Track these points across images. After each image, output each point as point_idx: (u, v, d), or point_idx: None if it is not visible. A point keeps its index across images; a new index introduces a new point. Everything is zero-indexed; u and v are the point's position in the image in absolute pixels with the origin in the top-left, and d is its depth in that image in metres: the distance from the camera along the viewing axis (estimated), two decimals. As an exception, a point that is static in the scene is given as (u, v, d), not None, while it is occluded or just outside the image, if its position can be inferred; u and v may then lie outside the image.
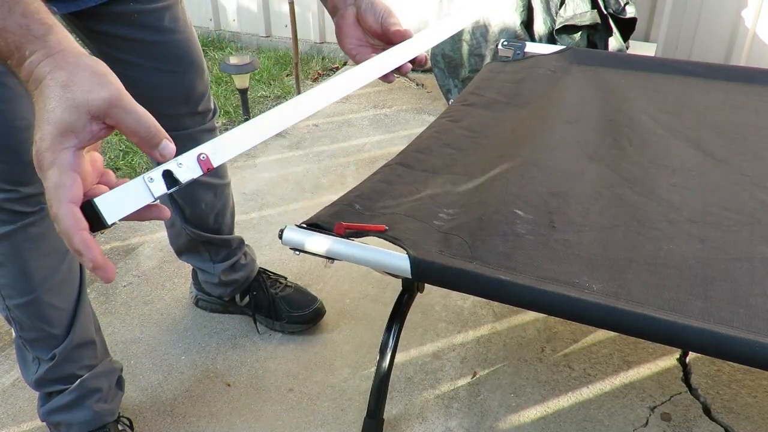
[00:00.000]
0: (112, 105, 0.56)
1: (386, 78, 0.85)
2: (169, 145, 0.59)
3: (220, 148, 0.66)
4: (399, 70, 0.86)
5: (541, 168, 1.16)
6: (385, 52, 0.84)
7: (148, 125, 0.58)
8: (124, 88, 0.59)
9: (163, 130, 0.59)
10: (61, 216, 0.55)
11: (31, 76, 0.57)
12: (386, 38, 0.90)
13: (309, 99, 0.75)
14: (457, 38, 2.45)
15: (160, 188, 0.60)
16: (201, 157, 0.63)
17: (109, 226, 0.58)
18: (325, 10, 3.47)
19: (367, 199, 1.07)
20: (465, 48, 2.42)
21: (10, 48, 0.57)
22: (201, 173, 0.63)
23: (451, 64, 2.48)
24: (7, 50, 0.57)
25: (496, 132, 1.34)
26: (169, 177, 0.60)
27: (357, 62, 0.91)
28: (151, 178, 0.59)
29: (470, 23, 0.96)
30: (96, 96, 0.56)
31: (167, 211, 0.63)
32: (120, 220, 0.58)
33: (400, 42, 0.88)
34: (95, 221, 0.57)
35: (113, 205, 0.57)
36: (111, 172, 0.62)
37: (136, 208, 0.58)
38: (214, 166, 0.65)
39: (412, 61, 0.86)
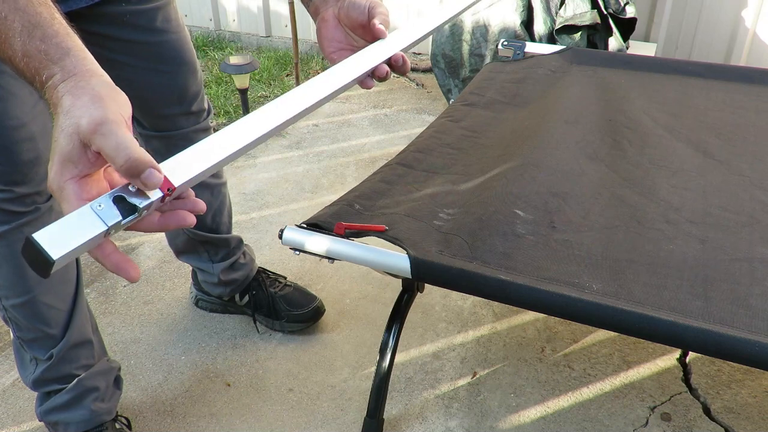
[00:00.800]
0: (92, 130, 0.53)
1: (364, 84, 0.79)
2: (154, 173, 0.53)
3: (180, 167, 0.58)
4: (375, 74, 0.79)
5: (541, 168, 1.16)
6: (355, 55, 0.78)
7: (129, 152, 0.52)
8: (121, 112, 0.55)
9: (149, 159, 0.54)
10: None
11: (50, 101, 0.57)
12: (371, 36, 0.85)
13: (286, 106, 0.69)
14: (457, 38, 2.45)
15: (113, 215, 0.52)
16: None
17: (54, 263, 0.49)
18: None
19: (367, 199, 1.07)
20: (465, 48, 2.42)
21: (32, 73, 0.57)
22: (160, 195, 0.55)
23: (451, 64, 2.48)
24: (30, 75, 0.57)
25: (496, 132, 1.34)
26: (121, 203, 0.53)
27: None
28: (100, 204, 0.52)
29: (443, 24, 0.90)
30: (83, 122, 0.53)
31: (192, 218, 0.60)
32: (72, 254, 0.51)
33: (378, 38, 0.82)
34: (40, 259, 0.50)
35: (57, 238, 0.50)
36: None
37: (86, 240, 0.51)
38: (176, 185, 0.56)
39: (390, 64, 0.80)
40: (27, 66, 0.57)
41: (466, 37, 2.41)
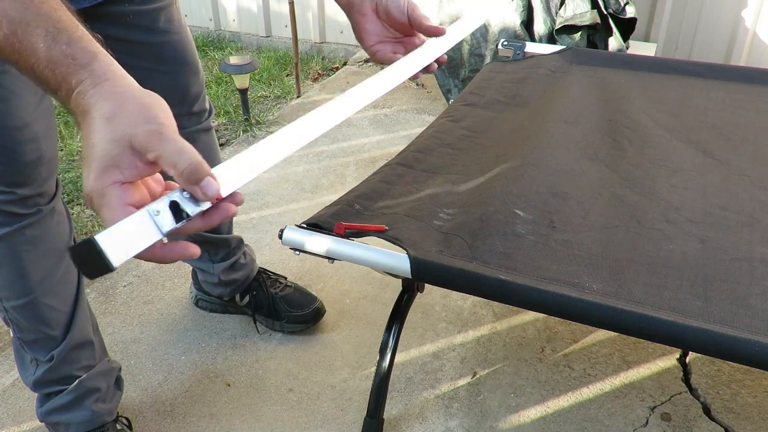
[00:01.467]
0: (151, 139, 0.53)
1: (415, 77, 0.88)
2: (212, 182, 0.54)
3: (232, 175, 0.58)
4: (426, 69, 0.88)
5: (541, 168, 1.16)
6: (415, 51, 0.87)
7: (191, 159, 0.53)
8: (170, 119, 0.56)
9: (207, 166, 0.54)
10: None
11: (78, 108, 0.56)
12: (411, 31, 0.91)
13: (344, 104, 0.73)
14: None
15: (168, 222, 0.53)
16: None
17: (113, 269, 0.49)
18: (325, 10, 3.45)
19: (367, 199, 1.07)
20: (465, 48, 2.42)
21: (58, 80, 0.56)
22: (209, 204, 0.55)
23: (451, 64, 2.48)
24: (55, 82, 0.56)
25: (496, 132, 1.34)
26: (175, 208, 0.54)
27: (379, 59, 0.93)
28: (158, 211, 0.52)
29: (482, 22, 0.98)
30: (139, 130, 0.53)
31: (196, 249, 0.58)
32: (128, 259, 0.51)
33: (434, 36, 0.91)
34: (97, 264, 0.49)
35: (118, 244, 0.49)
36: (174, 183, 0.56)
37: (145, 247, 0.51)
38: (224, 195, 0.56)
39: (437, 60, 0.88)
40: (52, 73, 0.56)
41: (466, 37, 2.41)
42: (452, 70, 2.50)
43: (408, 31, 0.91)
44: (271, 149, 0.64)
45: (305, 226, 0.98)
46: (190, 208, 0.54)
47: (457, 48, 2.45)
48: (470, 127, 1.36)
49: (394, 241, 0.93)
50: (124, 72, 0.58)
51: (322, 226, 0.96)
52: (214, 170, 0.57)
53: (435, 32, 0.91)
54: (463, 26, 0.97)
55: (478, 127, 1.36)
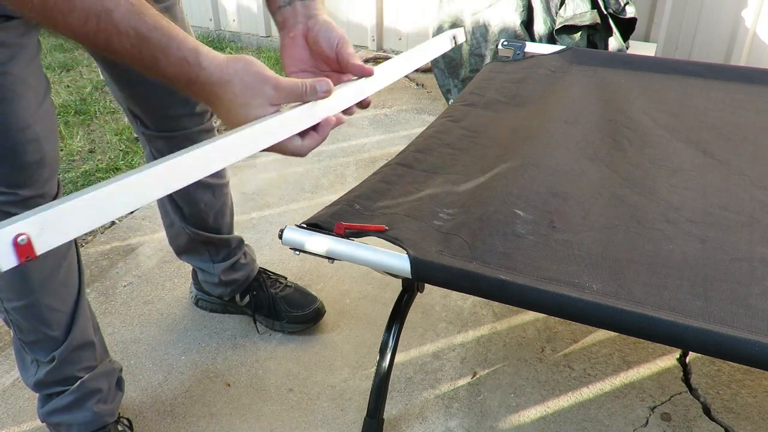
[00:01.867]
0: (278, 91, 0.73)
1: (348, 111, 0.85)
2: (321, 85, 0.76)
3: (50, 226, 0.49)
4: (345, 111, 0.83)
5: (541, 168, 1.16)
6: (342, 86, 0.83)
7: (305, 86, 0.75)
8: (266, 69, 0.74)
9: (311, 80, 0.76)
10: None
11: (203, 94, 0.73)
12: (338, 67, 0.88)
13: (237, 144, 0.72)
14: None
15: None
16: (20, 240, 0.46)
17: None
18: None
19: (367, 199, 1.07)
20: (465, 48, 2.42)
21: (177, 76, 0.71)
22: (16, 264, 0.46)
23: (451, 64, 2.48)
24: (175, 78, 0.71)
25: (496, 132, 1.34)
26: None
27: None
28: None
29: (424, 62, 0.95)
30: (266, 91, 0.73)
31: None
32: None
33: (358, 75, 0.87)
34: None
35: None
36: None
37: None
38: (38, 254, 0.48)
39: (360, 103, 0.86)
40: (173, 72, 0.70)
41: (467, 36, 2.41)
42: (452, 70, 2.50)
43: (335, 66, 0.89)
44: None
45: (305, 226, 0.97)
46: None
47: (457, 48, 2.44)
48: (470, 127, 1.36)
49: (394, 241, 0.93)
50: (218, 54, 0.73)
51: (322, 226, 0.96)
52: (36, 217, 0.51)
53: (360, 72, 0.87)
54: (394, 69, 0.92)
55: (478, 127, 1.36)
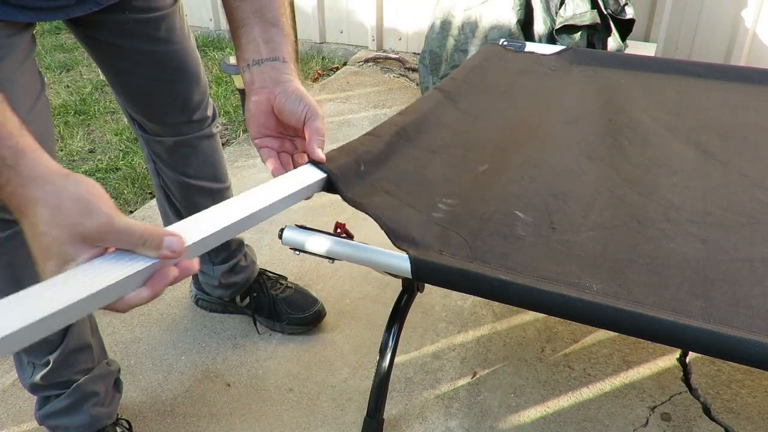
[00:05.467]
0: (105, 233, 0.56)
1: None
2: (172, 240, 0.58)
3: (187, 230, 0.60)
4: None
5: (542, 168, 1.16)
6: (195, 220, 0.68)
7: (143, 235, 0.57)
8: (105, 198, 0.58)
9: (158, 230, 0.58)
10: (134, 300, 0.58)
11: (12, 205, 0.57)
12: (303, 134, 0.82)
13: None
14: (445, 34, 2.42)
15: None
16: None
17: None
18: (325, 10, 3.43)
19: (371, 164, 1.03)
20: (450, 42, 2.39)
21: None
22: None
23: (434, 61, 2.46)
24: None
25: (494, 120, 1.33)
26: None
27: (261, 156, 0.84)
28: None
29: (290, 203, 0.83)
30: (87, 227, 0.56)
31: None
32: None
33: (310, 157, 0.82)
34: None
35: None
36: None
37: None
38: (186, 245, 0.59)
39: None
40: None
41: (454, 32, 2.38)
42: (434, 66, 2.47)
43: (301, 133, 0.83)
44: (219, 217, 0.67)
45: (305, 226, 0.97)
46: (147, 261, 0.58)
47: (444, 44, 2.42)
48: (469, 110, 1.34)
49: (395, 242, 0.92)
50: (51, 164, 0.58)
51: (331, 179, 0.91)
52: (172, 228, 0.60)
53: (312, 156, 0.83)
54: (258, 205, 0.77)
55: (477, 111, 1.35)
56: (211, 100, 1.28)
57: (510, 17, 2.24)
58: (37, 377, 1.10)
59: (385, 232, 0.92)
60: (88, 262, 0.56)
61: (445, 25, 2.41)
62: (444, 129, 1.26)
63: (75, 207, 0.56)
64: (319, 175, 0.87)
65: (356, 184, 0.97)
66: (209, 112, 1.26)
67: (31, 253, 0.57)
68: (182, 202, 1.31)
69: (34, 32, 0.94)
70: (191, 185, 1.29)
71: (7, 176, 0.56)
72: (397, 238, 0.92)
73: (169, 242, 0.57)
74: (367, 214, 0.93)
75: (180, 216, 1.34)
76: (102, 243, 0.57)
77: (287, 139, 0.87)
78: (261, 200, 0.74)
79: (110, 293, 0.55)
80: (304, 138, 0.83)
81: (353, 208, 0.94)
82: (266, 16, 0.83)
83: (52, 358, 1.09)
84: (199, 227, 0.64)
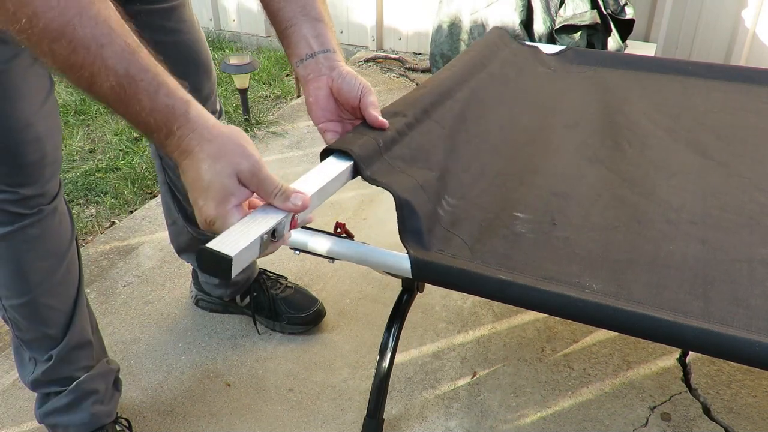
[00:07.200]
0: (254, 175, 0.68)
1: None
2: (299, 196, 0.71)
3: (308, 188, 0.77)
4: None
5: (542, 170, 1.16)
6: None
7: (278, 187, 0.70)
8: (255, 149, 0.70)
9: (289, 186, 0.72)
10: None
11: (178, 149, 0.68)
12: (359, 114, 0.92)
13: None
14: (455, 38, 2.45)
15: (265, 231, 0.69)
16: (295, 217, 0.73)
17: (232, 259, 0.63)
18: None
19: (391, 141, 1.00)
20: (462, 47, 2.42)
21: (159, 125, 0.66)
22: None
23: (446, 63, 2.48)
24: (156, 127, 0.66)
25: (494, 121, 1.31)
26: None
27: (325, 139, 0.93)
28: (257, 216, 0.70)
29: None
30: (243, 167, 0.68)
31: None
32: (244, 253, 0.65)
33: (372, 125, 0.92)
34: (219, 265, 0.63)
35: (229, 242, 0.65)
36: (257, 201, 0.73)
37: (252, 240, 0.66)
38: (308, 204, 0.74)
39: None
40: (154, 120, 0.66)
41: (464, 36, 2.41)
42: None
43: (358, 114, 0.93)
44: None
45: (306, 226, 0.97)
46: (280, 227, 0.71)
47: (456, 47, 2.44)
48: (475, 98, 1.30)
49: (401, 227, 0.90)
50: (210, 115, 0.70)
51: (351, 156, 0.91)
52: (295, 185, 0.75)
53: (375, 123, 0.93)
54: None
55: (484, 95, 1.32)
56: (218, 95, 1.28)
57: (513, 18, 2.25)
58: (39, 373, 1.11)
59: (398, 214, 0.91)
60: (246, 218, 0.69)
61: (453, 28, 2.43)
62: (450, 113, 1.20)
63: (235, 149, 0.68)
64: (345, 164, 0.91)
65: (372, 161, 0.94)
66: (217, 107, 1.28)
67: (188, 193, 0.69)
68: (187, 198, 1.32)
69: None
70: None
71: (179, 122, 0.67)
72: (405, 228, 0.91)
73: (295, 197, 0.71)
74: (388, 190, 0.92)
75: (184, 212, 1.34)
76: (248, 184, 0.69)
77: (347, 122, 0.95)
78: (317, 182, 0.83)
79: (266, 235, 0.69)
80: (360, 118, 0.93)
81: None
82: (311, 14, 0.90)
83: (54, 353, 1.09)
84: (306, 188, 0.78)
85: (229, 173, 0.67)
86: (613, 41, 2.23)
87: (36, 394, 1.16)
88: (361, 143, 0.94)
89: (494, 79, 1.45)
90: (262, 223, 0.68)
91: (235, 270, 0.64)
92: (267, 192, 0.70)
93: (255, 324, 1.48)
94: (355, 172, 0.92)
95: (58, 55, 0.60)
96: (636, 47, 2.63)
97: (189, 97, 0.68)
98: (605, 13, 2.21)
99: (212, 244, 0.64)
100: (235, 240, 0.65)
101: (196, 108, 0.68)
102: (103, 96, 0.64)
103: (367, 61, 3.18)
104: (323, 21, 0.91)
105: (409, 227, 0.92)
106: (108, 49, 0.62)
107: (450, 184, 1.05)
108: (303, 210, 0.72)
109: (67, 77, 0.63)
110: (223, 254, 0.63)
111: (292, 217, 0.73)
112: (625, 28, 2.28)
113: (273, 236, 0.70)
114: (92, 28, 0.61)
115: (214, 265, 0.63)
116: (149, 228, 1.88)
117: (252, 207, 0.73)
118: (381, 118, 0.93)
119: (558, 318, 1.39)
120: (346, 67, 0.91)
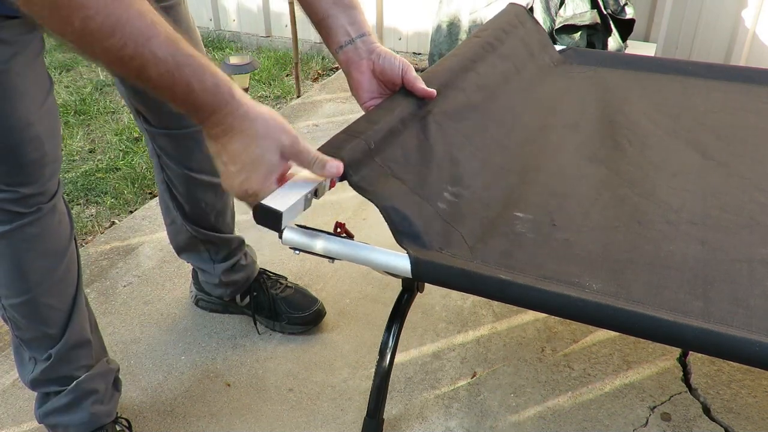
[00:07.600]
0: (294, 147, 0.78)
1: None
2: (334, 164, 0.82)
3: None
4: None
5: (542, 168, 1.16)
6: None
7: (315, 157, 0.81)
8: (290, 126, 0.78)
9: (323, 155, 0.82)
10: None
11: (221, 125, 0.74)
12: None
13: None
14: (454, 38, 2.44)
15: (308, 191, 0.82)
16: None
17: (282, 213, 0.78)
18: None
19: (382, 141, 1.00)
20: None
21: (205, 105, 0.73)
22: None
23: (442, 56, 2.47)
24: (201, 106, 0.73)
25: (503, 101, 1.29)
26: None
27: None
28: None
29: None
30: (285, 142, 0.77)
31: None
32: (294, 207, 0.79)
33: (422, 97, 1.01)
34: (270, 218, 0.78)
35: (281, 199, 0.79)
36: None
37: (302, 195, 0.80)
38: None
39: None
40: (202, 101, 0.72)
41: (463, 36, 2.41)
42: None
43: (400, 85, 1.00)
44: None
45: (305, 226, 0.97)
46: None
47: (452, 46, 2.43)
48: (483, 82, 1.27)
49: (396, 234, 0.91)
50: (247, 95, 0.76)
51: (334, 153, 0.90)
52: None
53: (424, 94, 1.01)
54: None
55: (491, 81, 1.30)
56: None
57: None
58: (38, 372, 1.11)
59: (387, 223, 0.91)
60: (288, 182, 0.81)
61: (452, 28, 2.42)
62: (460, 93, 1.18)
63: (277, 126, 0.76)
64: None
65: (361, 162, 0.94)
66: None
67: (222, 166, 0.77)
68: (185, 196, 1.32)
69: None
70: (194, 179, 1.29)
71: (227, 100, 0.73)
72: (400, 233, 0.91)
73: (330, 166, 0.81)
74: (371, 201, 0.91)
75: (182, 210, 1.34)
76: (289, 157, 0.78)
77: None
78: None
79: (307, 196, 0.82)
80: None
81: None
82: (344, 3, 0.97)
83: (53, 352, 1.09)
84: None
85: (274, 149, 0.76)
86: (614, 41, 2.23)
87: (36, 394, 1.16)
88: (350, 147, 0.93)
89: (497, 69, 1.40)
90: (304, 186, 0.81)
91: (284, 222, 0.78)
92: (307, 162, 0.80)
93: (255, 324, 1.48)
94: (344, 176, 0.91)
95: (110, 51, 0.66)
96: (636, 47, 2.63)
97: (230, 80, 0.74)
98: (605, 13, 2.21)
99: (266, 201, 0.77)
100: (284, 199, 0.78)
101: (239, 90, 0.75)
102: (153, 84, 0.70)
103: (367, 61, 3.18)
104: (356, 7, 0.98)
105: (403, 231, 0.91)
106: (155, 41, 0.67)
107: (452, 174, 1.04)
108: (338, 175, 0.82)
109: (115, 69, 0.69)
110: (275, 209, 0.77)
111: (331, 179, 0.85)
112: (626, 28, 2.28)
113: (315, 195, 0.83)
114: (139, 22, 0.66)
115: (267, 218, 0.77)
116: (149, 228, 1.88)
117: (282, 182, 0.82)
118: (429, 89, 1.01)
119: (558, 318, 1.39)
120: (383, 47, 0.98)
